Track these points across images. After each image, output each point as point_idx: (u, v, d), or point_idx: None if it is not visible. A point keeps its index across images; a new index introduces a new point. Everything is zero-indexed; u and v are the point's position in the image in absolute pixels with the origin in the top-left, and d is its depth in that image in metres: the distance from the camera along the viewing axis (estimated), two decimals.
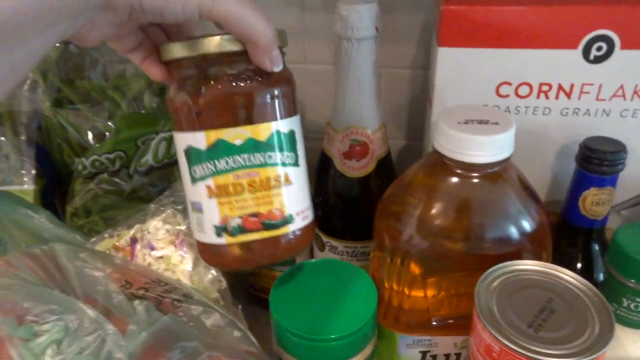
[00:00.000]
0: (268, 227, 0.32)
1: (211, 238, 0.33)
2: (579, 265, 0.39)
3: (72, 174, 0.55)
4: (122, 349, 0.27)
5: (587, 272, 0.39)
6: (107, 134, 0.52)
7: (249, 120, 0.31)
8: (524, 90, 0.39)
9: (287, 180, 0.32)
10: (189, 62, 0.31)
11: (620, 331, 0.34)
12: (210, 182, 0.31)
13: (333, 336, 0.33)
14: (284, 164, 0.32)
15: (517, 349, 0.27)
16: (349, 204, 0.48)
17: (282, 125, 0.32)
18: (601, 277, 0.39)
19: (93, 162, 0.48)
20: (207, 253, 0.34)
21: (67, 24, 0.23)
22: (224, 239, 0.32)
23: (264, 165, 0.31)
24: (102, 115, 0.54)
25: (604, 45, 0.36)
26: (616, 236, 0.33)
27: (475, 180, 0.33)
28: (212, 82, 0.30)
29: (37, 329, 0.28)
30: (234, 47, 0.30)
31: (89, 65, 0.55)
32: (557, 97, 0.38)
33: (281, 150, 0.32)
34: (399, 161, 0.58)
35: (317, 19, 0.54)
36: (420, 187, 0.36)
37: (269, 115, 0.31)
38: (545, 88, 0.38)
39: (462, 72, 0.38)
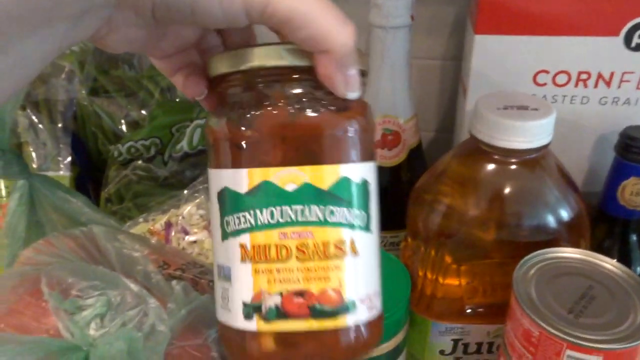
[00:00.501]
0: (318, 314, 0.23)
1: (238, 320, 0.24)
2: (616, 256, 0.39)
3: (105, 162, 0.56)
4: (165, 322, 0.27)
5: (624, 264, 0.39)
6: (140, 122, 0.53)
7: (309, 160, 0.23)
8: (561, 79, 0.38)
9: (353, 250, 0.23)
10: (236, 78, 0.24)
11: None
12: (246, 239, 0.23)
13: None
14: (350, 226, 0.23)
15: (557, 333, 0.26)
16: (381, 193, 0.48)
17: (354, 171, 0.23)
18: (638, 269, 0.39)
19: (129, 148, 0.49)
20: (230, 342, 0.25)
21: (65, 25, 0.19)
22: (255, 324, 0.23)
23: (322, 223, 0.23)
24: (136, 105, 0.55)
25: None
26: None
27: (513, 167, 0.33)
28: (263, 106, 0.23)
29: (81, 303, 0.29)
30: (297, 60, 0.23)
31: (124, 56, 0.56)
32: (595, 86, 0.38)
33: (349, 205, 0.23)
34: (428, 153, 0.58)
35: (348, 8, 0.54)
36: (455, 175, 0.36)
37: (337, 156, 0.23)
38: (584, 76, 0.38)
39: (499, 60, 0.38)
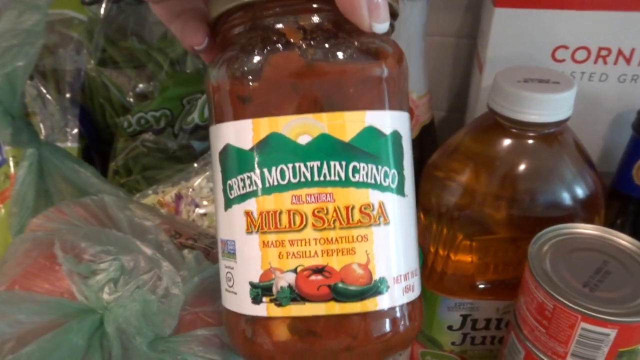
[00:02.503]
0: (341, 295, 0.19)
1: (244, 305, 0.20)
2: (628, 234, 0.39)
3: (112, 135, 0.56)
4: (179, 285, 0.27)
5: None
6: (148, 95, 0.53)
7: (327, 105, 0.19)
8: (581, 55, 0.38)
9: (383, 216, 0.19)
10: (239, 15, 0.20)
11: None
12: (252, 205, 0.19)
13: None
14: (379, 187, 0.19)
15: (573, 305, 0.26)
16: None
17: (383, 119, 0.19)
18: None
19: (138, 119, 0.48)
20: (236, 332, 0.21)
21: None
22: (264, 309, 0.19)
23: (344, 183, 0.19)
24: (145, 77, 0.54)
25: None
26: None
27: (531, 142, 0.33)
28: (272, 49, 0.19)
29: (94, 267, 0.29)
30: None
31: (134, 27, 0.55)
32: (615, 63, 0.37)
33: (377, 161, 0.19)
34: (439, 132, 0.57)
35: None
36: (469, 151, 0.36)
37: (360, 100, 0.19)
38: (604, 53, 0.37)
39: (518, 35, 0.38)
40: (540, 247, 0.31)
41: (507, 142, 0.33)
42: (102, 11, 0.53)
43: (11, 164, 0.52)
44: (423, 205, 0.39)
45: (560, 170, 0.33)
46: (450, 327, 0.39)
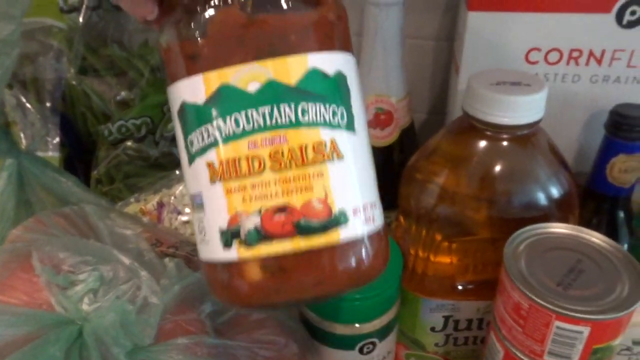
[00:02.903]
0: (305, 230, 0.20)
1: (217, 252, 0.21)
2: (604, 233, 0.39)
3: (95, 144, 0.55)
4: (157, 294, 0.27)
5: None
6: (129, 103, 0.53)
7: (271, 53, 0.20)
8: (553, 57, 0.38)
9: (336, 152, 0.21)
10: None
11: None
12: (213, 156, 0.20)
13: (358, 296, 0.34)
14: (329, 125, 0.20)
15: (547, 305, 0.27)
16: None
17: (325, 61, 0.21)
18: (626, 246, 0.39)
19: (119, 127, 0.48)
20: (213, 280, 0.22)
21: None
22: (235, 252, 0.21)
23: (295, 124, 0.20)
24: (126, 84, 0.54)
25: (638, 10, 0.35)
26: None
27: (505, 144, 0.33)
28: (214, 6, 0.21)
29: (73, 278, 0.29)
30: None
31: (114, 34, 0.55)
32: (587, 64, 0.38)
33: (324, 101, 0.20)
34: (420, 134, 0.58)
35: None
36: (446, 153, 0.37)
37: (303, 44, 0.20)
38: (575, 54, 0.38)
39: (491, 38, 0.38)
40: (515, 247, 0.31)
41: (482, 144, 0.34)
42: (81, 19, 0.53)
43: None
44: (402, 207, 0.39)
45: (535, 171, 0.34)
46: (432, 329, 0.39)
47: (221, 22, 0.20)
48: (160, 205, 0.44)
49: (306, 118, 0.20)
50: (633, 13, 0.36)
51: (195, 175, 0.21)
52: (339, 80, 0.21)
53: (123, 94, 0.54)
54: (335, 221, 0.20)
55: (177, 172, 0.46)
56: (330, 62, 0.21)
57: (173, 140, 0.50)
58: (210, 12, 0.20)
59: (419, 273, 0.38)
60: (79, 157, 0.57)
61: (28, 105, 0.54)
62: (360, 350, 0.36)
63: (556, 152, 0.35)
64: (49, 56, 0.55)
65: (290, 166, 0.20)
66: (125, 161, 0.51)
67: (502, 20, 0.37)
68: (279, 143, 0.20)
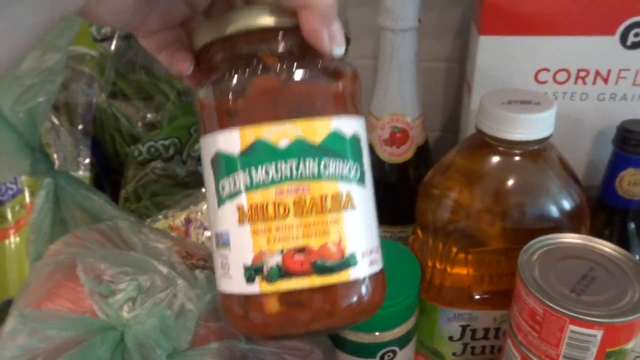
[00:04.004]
0: (320, 270, 0.23)
1: (239, 286, 0.24)
2: (615, 244, 0.41)
3: (123, 164, 0.58)
4: (193, 301, 0.29)
5: None
6: (156, 124, 0.56)
7: (300, 115, 0.23)
8: (561, 77, 0.40)
9: (350, 203, 0.24)
10: (220, 46, 0.24)
11: None
12: (243, 200, 0.23)
13: None
14: (346, 179, 0.24)
15: (561, 309, 0.28)
16: (389, 189, 0.50)
17: (345, 124, 0.24)
18: (637, 256, 0.40)
19: (149, 148, 0.51)
20: (232, 311, 0.24)
21: None
22: (257, 286, 0.23)
23: (317, 177, 0.23)
24: (153, 107, 0.57)
25: None
26: None
27: (517, 159, 0.35)
28: (249, 68, 0.23)
29: (114, 287, 0.31)
30: (280, 18, 0.23)
31: (142, 61, 0.58)
32: (594, 83, 0.40)
33: (343, 158, 0.24)
34: (434, 151, 0.60)
35: (357, 14, 0.56)
36: (461, 168, 0.38)
37: (326, 109, 0.24)
38: (582, 74, 0.40)
39: (502, 60, 0.40)
40: (529, 256, 0.33)
41: (495, 159, 0.35)
42: (112, 47, 0.56)
43: (26, 193, 0.55)
44: (420, 221, 0.41)
45: (546, 185, 0.35)
46: (450, 338, 0.40)
47: (259, 86, 0.23)
48: (188, 221, 0.46)
49: (327, 172, 0.23)
50: (637, 35, 0.38)
51: (224, 216, 0.24)
52: (355, 140, 0.25)
53: (150, 116, 0.57)
54: (346, 262, 0.23)
55: (203, 190, 0.49)
56: (349, 125, 0.24)
57: (199, 159, 0.53)
58: (249, 77, 0.23)
59: (436, 284, 0.39)
60: (107, 177, 0.60)
61: (61, 128, 0.57)
62: (381, 358, 0.37)
63: (566, 166, 0.37)
64: (81, 82, 0.58)
65: (311, 213, 0.23)
66: (152, 180, 0.54)
67: (512, 44, 0.40)
68: (303, 192, 0.23)
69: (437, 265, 0.39)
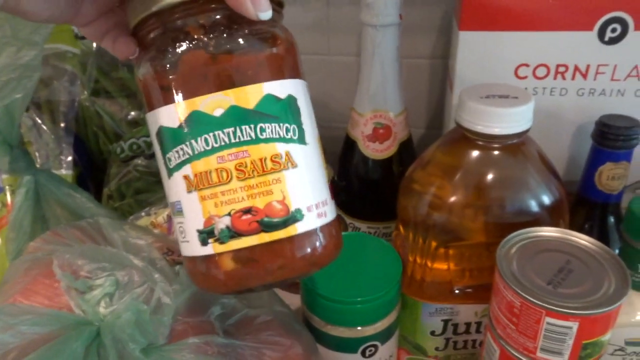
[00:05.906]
0: (268, 227, 0.24)
1: (196, 249, 0.25)
2: (595, 238, 0.41)
3: (106, 162, 0.58)
4: (170, 295, 0.29)
5: None
6: (139, 122, 0.55)
7: (231, 84, 0.24)
8: (541, 72, 0.41)
9: (290, 162, 0.25)
10: (152, 22, 0.25)
11: (636, 297, 0.35)
12: (188, 170, 0.24)
13: (359, 299, 0.36)
14: (283, 140, 0.25)
15: (537, 302, 0.29)
16: (372, 185, 0.50)
17: (277, 87, 0.25)
18: (617, 250, 0.41)
19: (131, 145, 0.51)
20: (195, 272, 0.26)
21: None
22: (211, 248, 0.25)
23: (255, 141, 0.24)
24: (136, 105, 0.57)
25: (619, 27, 0.38)
26: (632, 204, 0.34)
27: (496, 153, 0.35)
28: (179, 41, 0.24)
29: (91, 283, 0.31)
30: None
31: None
32: (573, 78, 0.40)
33: (278, 120, 0.25)
34: (419, 148, 0.60)
35: (340, 12, 0.56)
36: (441, 163, 0.39)
37: (258, 76, 0.24)
38: (562, 69, 0.40)
39: (482, 55, 0.41)
40: (507, 250, 0.33)
41: (474, 153, 0.35)
42: (94, 44, 0.56)
43: (7, 192, 0.54)
44: (401, 217, 0.41)
45: (525, 179, 0.36)
46: (433, 333, 0.41)
47: (189, 60, 0.24)
48: (170, 218, 0.46)
49: (264, 135, 0.24)
50: (614, 30, 0.38)
51: (174, 186, 0.26)
52: (290, 102, 0.25)
53: (133, 113, 0.57)
54: (292, 218, 0.25)
55: None
56: (282, 87, 0.25)
57: None
58: (180, 52, 0.24)
59: (417, 279, 0.39)
60: (90, 175, 0.59)
61: (43, 126, 0.57)
62: (363, 353, 0.37)
63: (546, 160, 0.37)
64: (63, 79, 0.58)
65: (253, 175, 0.24)
66: (135, 177, 0.53)
67: (492, 39, 0.40)
68: (243, 157, 0.24)
69: (418, 260, 0.39)
